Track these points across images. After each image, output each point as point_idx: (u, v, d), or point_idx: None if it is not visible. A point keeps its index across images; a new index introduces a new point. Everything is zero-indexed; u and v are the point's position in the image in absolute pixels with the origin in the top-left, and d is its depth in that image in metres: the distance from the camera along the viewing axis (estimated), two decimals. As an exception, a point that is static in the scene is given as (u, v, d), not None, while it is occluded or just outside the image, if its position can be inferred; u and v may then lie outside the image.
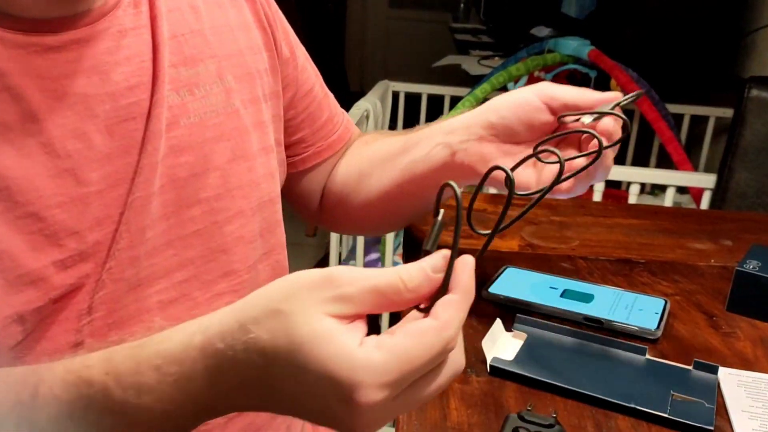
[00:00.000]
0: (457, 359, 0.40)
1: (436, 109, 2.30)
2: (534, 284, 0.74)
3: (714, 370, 0.60)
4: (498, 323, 0.64)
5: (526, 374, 0.58)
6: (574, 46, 1.87)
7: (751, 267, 0.72)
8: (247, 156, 0.64)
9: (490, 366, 0.59)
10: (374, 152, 0.77)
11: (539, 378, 0.58)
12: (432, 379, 0.39)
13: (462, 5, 3.53)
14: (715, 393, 0.57)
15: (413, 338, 0.37)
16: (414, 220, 0.82)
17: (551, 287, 0.74)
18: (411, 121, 2.19)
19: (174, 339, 0.42)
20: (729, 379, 0.60)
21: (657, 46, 1.96)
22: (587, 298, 0.71)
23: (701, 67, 1.97)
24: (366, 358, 0.36)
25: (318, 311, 0.38)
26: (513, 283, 0.74)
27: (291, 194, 0.80)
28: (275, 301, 0.39)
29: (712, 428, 0.53)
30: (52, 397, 0.44)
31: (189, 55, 0.60)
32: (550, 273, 0.77)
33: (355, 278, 0.38)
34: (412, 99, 2.31)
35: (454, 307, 0.38)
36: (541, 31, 2.69)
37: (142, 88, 0.56)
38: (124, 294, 0.55)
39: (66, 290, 0.52)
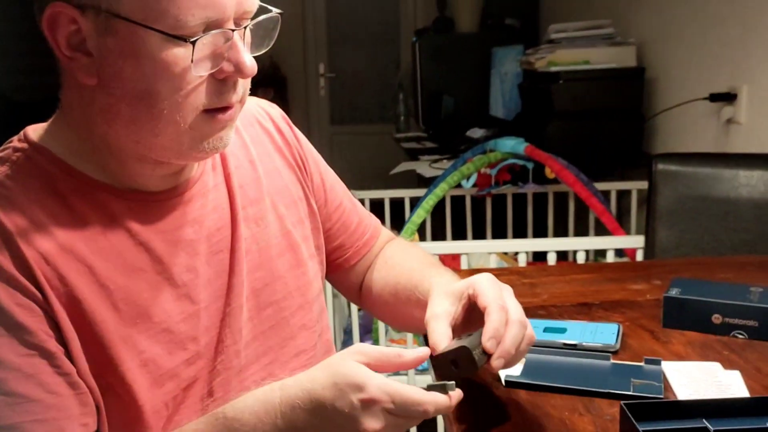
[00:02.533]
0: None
1: (398, 211, 2.59)
2: (521, 327, 0.99)
3: (658, 363, 0.85)
4: (503, 353, 0.89)
5: (531, 382, 0.83)
6: (512, 144, 2.21)
7: (674, 293, 0.99)
8: (300, 264, 0.86)
9: (505, 381, 0.83)
10: (394, 276, 0.93)
11: (540, 383, 0.82)
12: (403, 418, 0.64)
13: (402, 117, 3.93)
14: (661, 376, 0.83)
15: (408, 388, 0.64)
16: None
17: (534, 327, 0.98)
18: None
19: (265, 396, 0.69)
20: (669, 366, 0.85)
21: (578, 136, 2.32)
22: (562, 330, 0.97)
23: (617, 149, 2.33)
24: (372, 373, 0.64)
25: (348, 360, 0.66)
26: (506, 329, 0.98)
27: (341, 286, 1.01)
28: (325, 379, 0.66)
29: (662, 396, 0.78)
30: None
31: (252, 197, 0.83)
32: (531, 318, 1.02)
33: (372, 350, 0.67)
34: (374, 204, 2.59)
35: (425, 404, 0.64)
36: (476, 132, 3.07)
37: (225, 228, 0.79)
38: (233, 378, 0.77)
39: (191, 381, 0.74)
